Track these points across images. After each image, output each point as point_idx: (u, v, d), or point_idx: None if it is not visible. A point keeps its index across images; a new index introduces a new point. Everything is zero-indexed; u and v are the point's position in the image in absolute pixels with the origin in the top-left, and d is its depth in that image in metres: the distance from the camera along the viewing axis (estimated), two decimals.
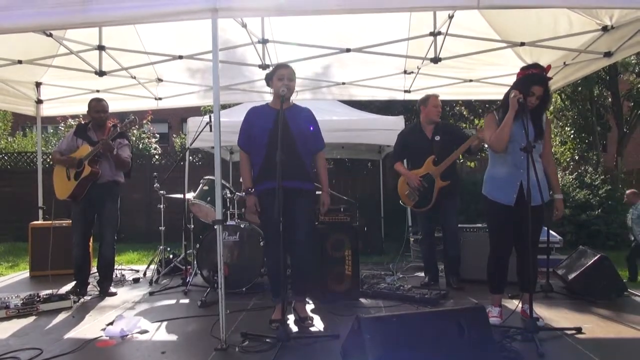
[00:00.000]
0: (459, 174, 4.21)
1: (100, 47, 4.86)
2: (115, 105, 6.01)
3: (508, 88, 3.40)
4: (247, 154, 3.51)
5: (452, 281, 4.67)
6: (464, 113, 11.28)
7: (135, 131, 11.83)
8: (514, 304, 3.79)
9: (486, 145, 3.57)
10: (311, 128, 3.52)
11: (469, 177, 8.91)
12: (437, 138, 4.59)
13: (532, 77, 3.29)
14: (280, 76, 3.41)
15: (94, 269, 4.88)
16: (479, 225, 4.98)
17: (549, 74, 3.43)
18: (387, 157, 8.95)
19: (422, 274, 5.05)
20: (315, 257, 3.82)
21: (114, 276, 4.85)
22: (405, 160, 4.86)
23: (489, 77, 5.63)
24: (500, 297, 3.53)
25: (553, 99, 12.81)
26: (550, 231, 4.83)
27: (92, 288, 4.63)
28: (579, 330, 3.20)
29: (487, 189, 3.47)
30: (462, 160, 3.86)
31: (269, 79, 3.52)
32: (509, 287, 3.61)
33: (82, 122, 4.77)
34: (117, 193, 4.61)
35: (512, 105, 3.21)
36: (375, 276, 5.21)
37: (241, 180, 3.38)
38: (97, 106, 4.54)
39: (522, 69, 3.40)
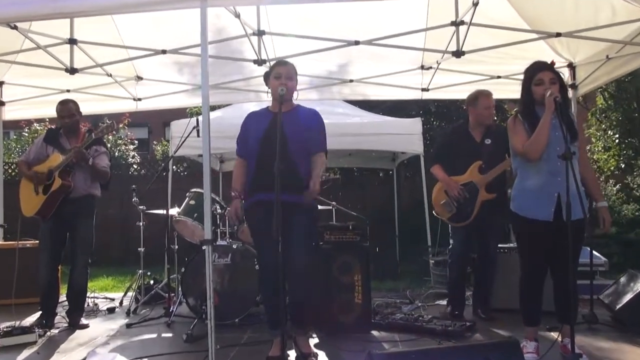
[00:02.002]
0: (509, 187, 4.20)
1: (72, 41, 4.90)
2: (88, 107, 6.02)
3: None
4: (245, 161, 3.58)
5: (480, 311, 4.64)
6: None
7: (110, 137, 11.91)
8: (553, 338, 3.76)
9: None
10: (312, 125, 3.54)
11: None
12: (488, 142, 4.52)
13: (531, 69, 3.41)
14: (277, 74, 3.46)
15: (62, 297, 4.87)
16: (511, 245, 4.95)
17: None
18: (402, 166, 8.97)
19: (445, 302, 5.02)
20: (319, 283, 3.81)
21: (85, 305, 4.84)
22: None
23: (519, 73, 5.61)
24: (536, 329, 3.51)
25: (595, 99, 12.82)
26: (594, 252, 4.80)
27: (61, 319, 4.62)
28: None
29: (517, 205, 3.47)
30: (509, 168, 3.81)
31: (266, 79, 3.58)
32: (546, 317, 3.58)
33: (53, 127, 4.79)
34: (92, 209, 4.63)
35: (548, 106, 3.22)
36: (390, 305, 5.18)
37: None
38: (61, 110, 4.56)
39: (524, 72, 3.52)
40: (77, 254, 4.54)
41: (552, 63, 3.44)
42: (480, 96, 4.57)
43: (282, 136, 3.29)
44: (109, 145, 11.63)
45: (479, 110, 4.54)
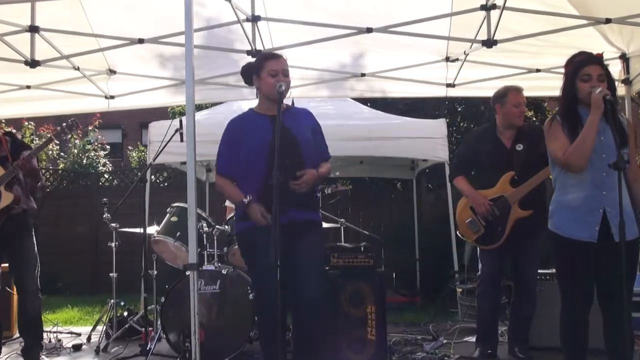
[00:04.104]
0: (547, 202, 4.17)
1: (33, 29, 4.93)
2: (51, 106, 6.07)
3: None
4: (231, 180, 3.57)
5: (517, 349, 4.62)
6: (529, 114, 11.33)
7: (77, 140, 11.95)
8: None
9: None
10: (315, 128, 3.59)
11: None
12: (519, 147, 4.51)
13: (577, 61, 3.41)
14: (273, 72, 3.44)
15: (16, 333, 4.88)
16: (550, 271, 4.93)
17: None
18: (423, 176, 8.96)
19: (475, 339, 5.00)
20: (326, 316, 3.80)
21: (46, 340, 4.84)
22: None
23: (562, 66, 5.63)
24: None
25: None
26: None
27: (17, 357, 4.61)
28: None
29: (556, 223, 3.46)
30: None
31: (251, 74, 3.56)
32: (594, 357, 3.57)
33: None
34: (31, 224, 4.68)
35: (596, 105, 3.21)
36: (410, 342, 5.19)
37: (227, 201, 3.34)
38: None
39: (565, 64, 3.54)
40: (26, 278, 4.55)
41: (600, 55, 3.45)
42: (510, 92, 4.57)
43: (294, 145, 3.34)
44: (75, 151, 11.71)
45: (508, 108, 4.54)
